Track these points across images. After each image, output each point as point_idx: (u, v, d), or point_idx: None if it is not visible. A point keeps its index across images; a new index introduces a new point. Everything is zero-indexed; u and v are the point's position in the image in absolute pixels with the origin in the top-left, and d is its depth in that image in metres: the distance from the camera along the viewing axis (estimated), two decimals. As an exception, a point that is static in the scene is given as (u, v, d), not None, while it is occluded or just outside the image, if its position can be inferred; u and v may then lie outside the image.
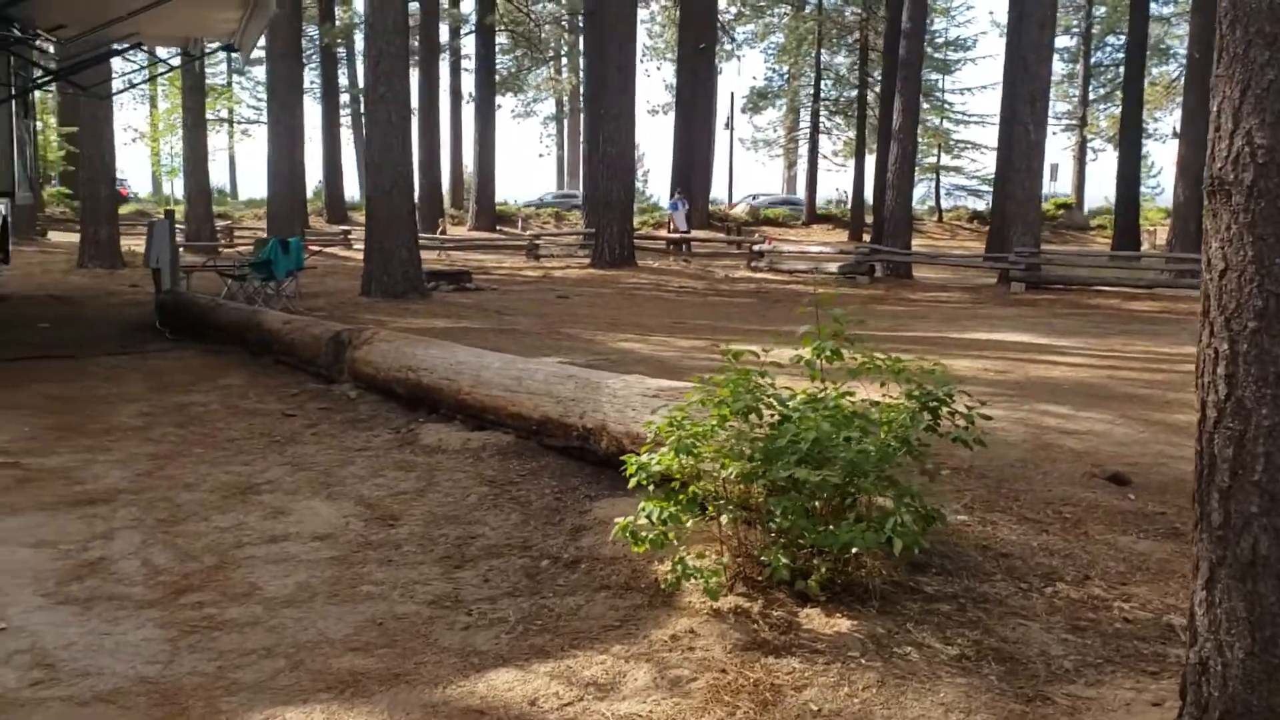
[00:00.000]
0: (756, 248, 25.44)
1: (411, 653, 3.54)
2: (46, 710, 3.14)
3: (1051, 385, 8.63)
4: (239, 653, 3.54)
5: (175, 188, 57.83)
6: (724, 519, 3.71)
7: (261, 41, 19.95)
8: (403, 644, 3.61)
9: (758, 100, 47.85)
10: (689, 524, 3.66)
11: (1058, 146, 64.47)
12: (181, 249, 20.88)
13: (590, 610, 3.83)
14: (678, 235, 28.72)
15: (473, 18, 42.07)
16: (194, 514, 5.01)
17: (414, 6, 39.10)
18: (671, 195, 31.55)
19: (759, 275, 23.41)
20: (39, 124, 44.30)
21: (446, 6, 44.10)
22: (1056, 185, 40.53)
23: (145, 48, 13.51)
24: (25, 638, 3.62)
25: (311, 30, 36.06)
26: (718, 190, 50.12)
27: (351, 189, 46.45)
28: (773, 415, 3.70)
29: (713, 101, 44.38)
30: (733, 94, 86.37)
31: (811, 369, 3.73)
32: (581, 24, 37.03)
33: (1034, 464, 5.60)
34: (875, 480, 3.49)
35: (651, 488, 3.74)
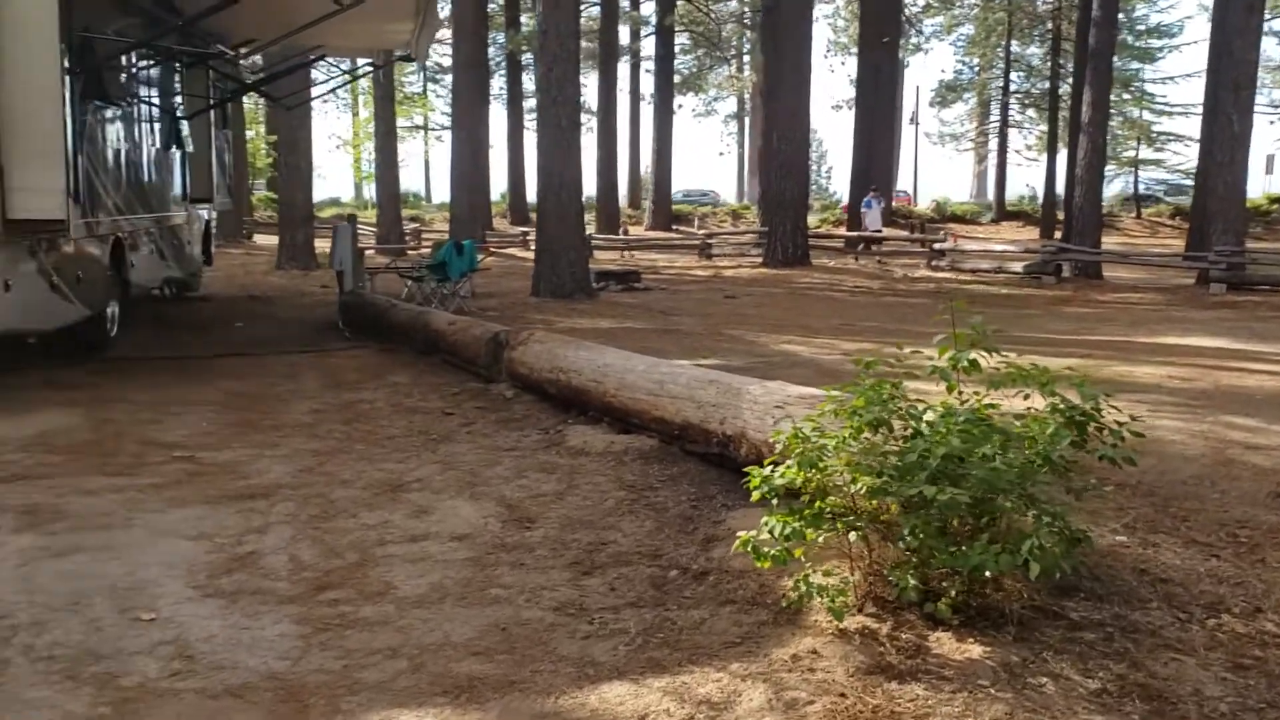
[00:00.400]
0: (937, 246, 24.67)
1: (529, 660, 3.53)
2: (179, 701, 3.27)
3: (1242, 395, 8.00)
4: (365, 652, 3.62)
5: (374, 192, 60.63)
6: (852, 536, 3.55)
7: (448, 52, 20.59)
8: (522, 650, 3.61)
9: (945, 94, 46.45)
10: (815, 540, 3.52)
11: (1271, 138, 60.17)
12: (371, 251, 21.86)
13: (713, 625, 3.74)
14: (869, 234, 28.11)
15: (652, 19, 42.47)
16: (344, 510, 5.17)
17: (594, 10, 39.77)
18: (864, 193, 30.94)
19: (939, 275, 22.69)
20: (250, 133, 47.21)
21: (627, 9, 44.67)
22: (1272, 179, 37.69)
23: (330, 60, 14.16)
24: (171, 629, 3.80)
25: (501, 38, 37.14)
26: (901, 186, 49.02)
27: (534, 192, 47.67)
28: (905, 428, 3.52)
29: (896, 96, 43.36)
30: (918, 88, 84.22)
31: (947, 379, 3.53)
32: (760, 21, 36.76)
33: (1210, 481, 5.18)
34: (1014, 499, 3.27)
35: (775, 501, 3.62)
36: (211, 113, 13.35)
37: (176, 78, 11.68)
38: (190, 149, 12.46)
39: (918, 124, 49.11)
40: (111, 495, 5.43)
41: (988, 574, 3.32)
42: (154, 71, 10.47)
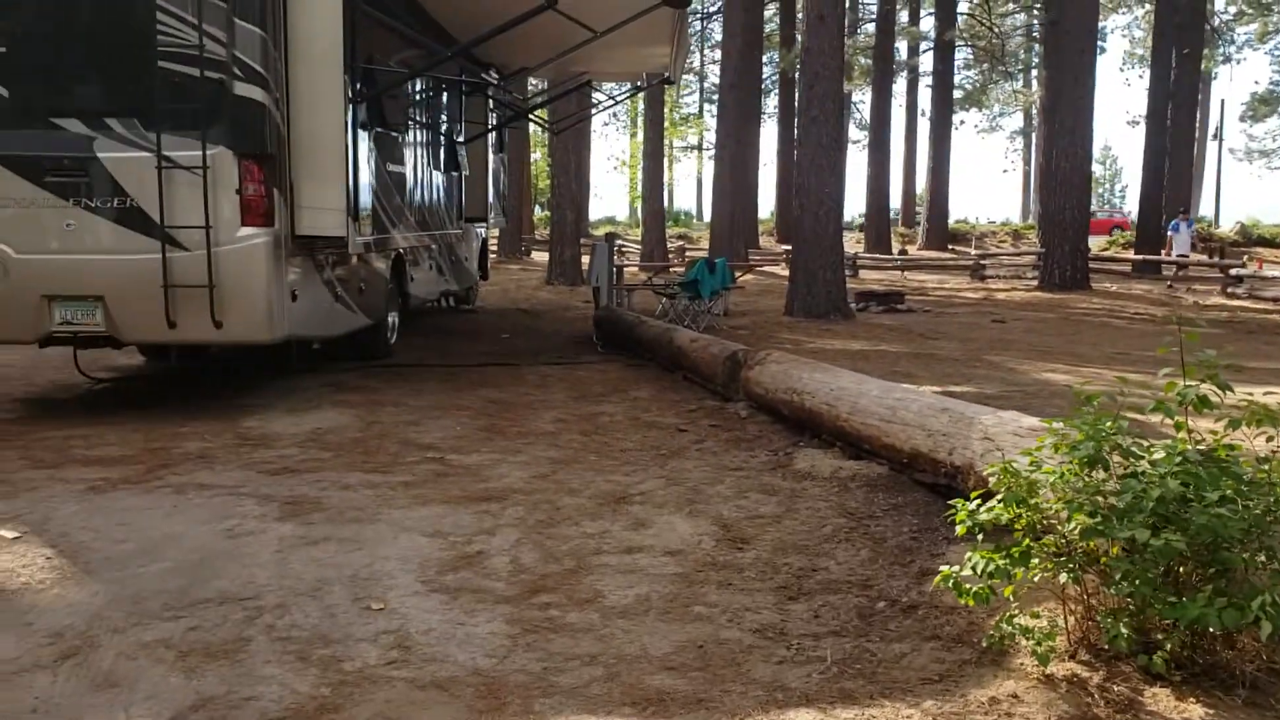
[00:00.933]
0: (1234, 272, 22.69)
1: (721, 680, 3.55)
2: (390, 688, 3.50)
3: None
4: (565, 656, 3.74)
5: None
6: (1063, 577, 3.35)
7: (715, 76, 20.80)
8: (715, 669, 3.63)
9: (1258, 106, 42.80)
10: (1023, 579, 3.35)
11: None
12: (634, 268, 22.50)
13: (913, 660, 3.63)
14: (1175, 259, 26.26)
15: (932, 34, 41.46)
16: (569, 518, 5.36)
17: (869, 27, 39.27)
18: (1155, 214, 28.89)
19: (1234, 303, 20.86)
20: (535, 155, 49.65)
21: (905, 24, 43.82)
22: None
23: (595, 85, 14.73)
24: (396, 620, 4.06)
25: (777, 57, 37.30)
26: (1204, 208, 45.45)
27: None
28: (1125, 466, 3.29)
29: (1198, 110, 40.27)
30: (1222, 101, 77.75)
31: (1169, 414, 3.27)
32: (1043, 34, 35.10)
33: None
34: (1241, 550, 2.99)
35: (981, 536, 3.46)
36: (489, 136, 14.18)
37: (453, 104, 12.50)
38: (466, 171, 13.30)
39: (1221, 140, 45.30)
40: (366, 490, 5.87)
41: (1211, 629, 3.04)
42: (430, 99, 11.25)
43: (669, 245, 28.84)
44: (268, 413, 8.03)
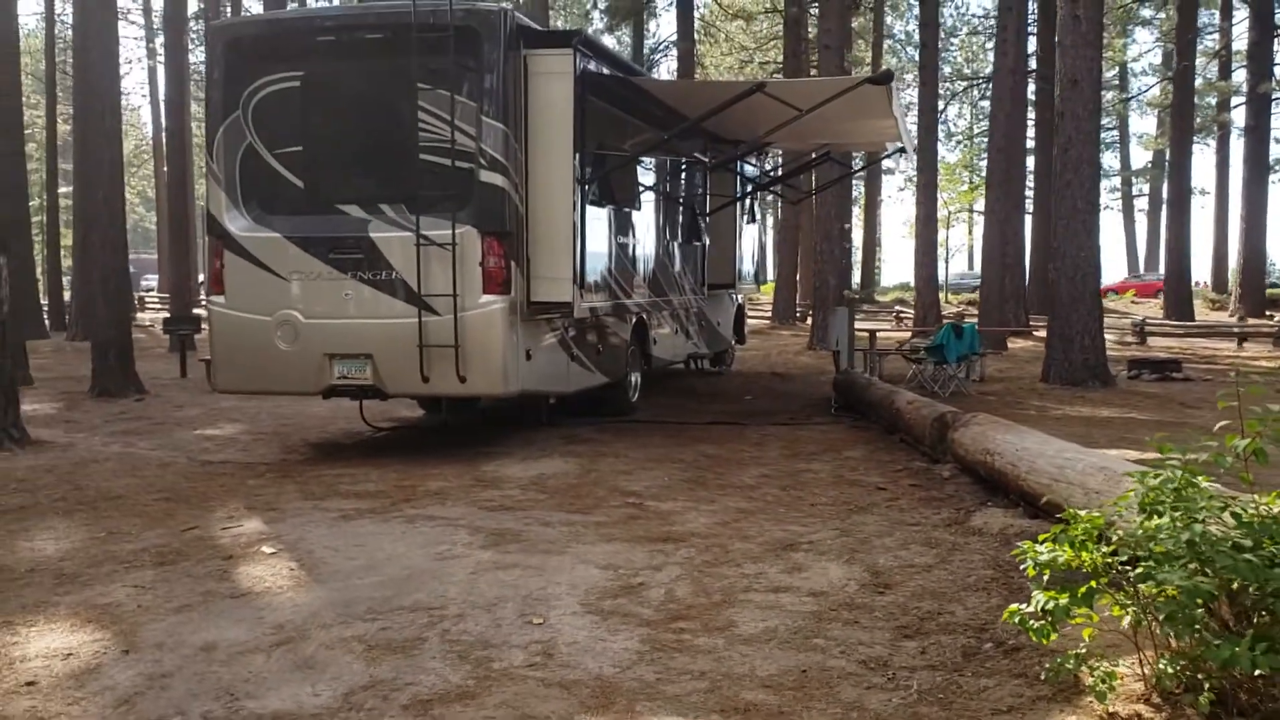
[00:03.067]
0: None
1: (808, 699, 3.92)
2: (522, 684, 4.11)
3: None
4: (679, 671, 4.22)
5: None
6: (1126, 620, 3.52)
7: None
8: (808, 690, 4.00)
9: None
10: (1080, 618, 3.55)
11: None
12: (905, 332, 22.44)
13: (993, 694, 3.86)
14: None
15: (1244, 88, 38.81)
16: (732, 560, 5.82)
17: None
18: None
19: None
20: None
21: (1214, 78, 41.25)
22: None
23: (834, 157, 15.18)
24: (549, 632, 4.69)
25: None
26: None
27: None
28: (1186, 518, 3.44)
29: None
30: None
31: (1222, 464, 3.40)
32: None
33: None
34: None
35: (1046, 576, 3.68)
36: (736, 207, 14.93)
37: (693, 178, 13.32)
38: (707, 240, 14.08)
39: None
40: (563, 527, 6.59)
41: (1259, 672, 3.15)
42: (666, 174, 12.10)
43: (951, 309, 28.44)
44: (505, 459, 8.97)
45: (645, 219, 11.52)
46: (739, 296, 17.50)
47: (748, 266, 16.24)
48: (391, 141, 8.77)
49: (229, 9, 37.00)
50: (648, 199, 11.60)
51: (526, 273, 8.80)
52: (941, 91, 35.57)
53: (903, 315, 32.01)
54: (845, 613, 4.91)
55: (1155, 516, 3.47)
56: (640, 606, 5.05)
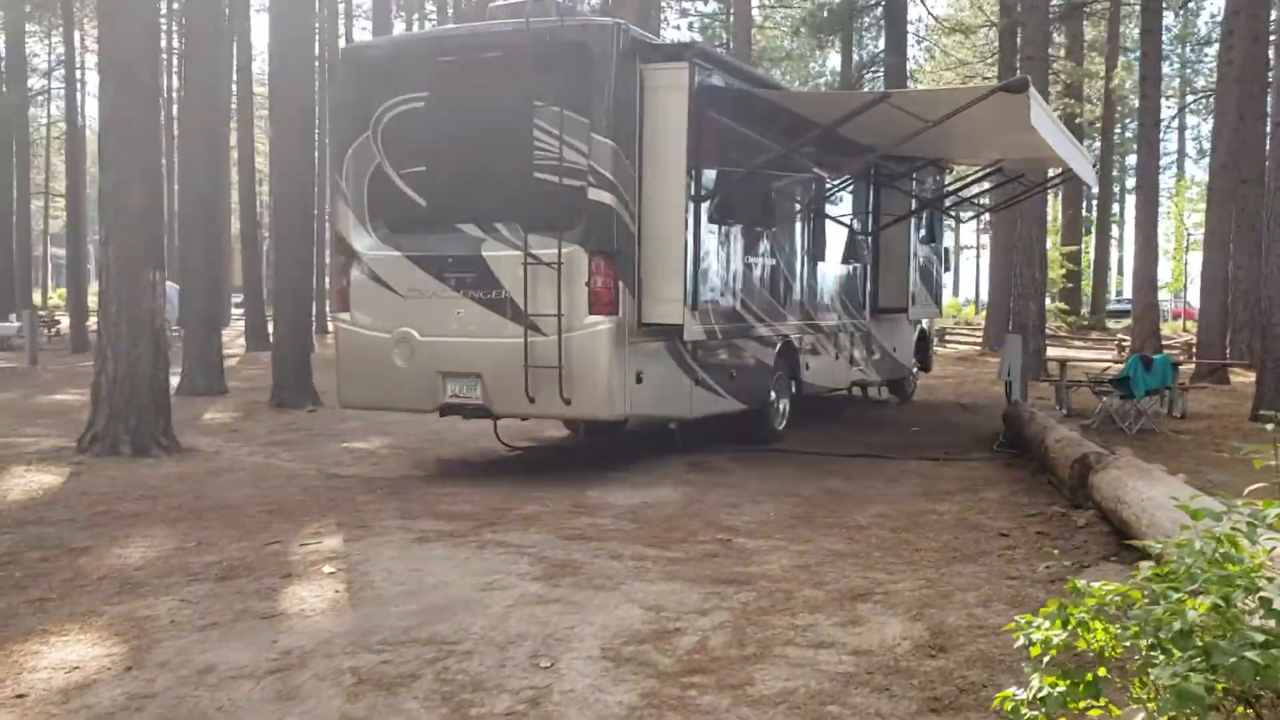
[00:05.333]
0: None
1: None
2: (484, 733, 3.83)
3: None
4: (662, 733, 3.83)
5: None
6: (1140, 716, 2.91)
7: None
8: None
9: None
10: (1078, 710, 2.96)
11: None
12: (1102, 362, 20.82)
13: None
14: None
15: None
16: (789, 609, 5.34)
17: None
18: None
19: None
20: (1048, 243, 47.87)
21: None
22: None
23: (1008, 174, 14.14)
24: (550, 678, 4.38)
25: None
26: None
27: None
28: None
29: None
30: None
31: (1255, 539, 2.75)
32: None
33: None
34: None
35: (1045, 658, 3.09)
36: (910, 227, 14.13)
37: (849, 195, 12.66)
38: (871, 262, 13.36)
39: None
40: (631, 562, 6.26)
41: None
42: (813, 192, 11.50)
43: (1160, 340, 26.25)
44: (615, 485, 8.71)
45: (785, 238, 11.02)
46: (925, 321, 16.62)
47: (924, 289, 15.35)
48: (508, 160, 8.70)
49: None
50: (787, 218, 11.10)
51: (638, 293, 8.53)
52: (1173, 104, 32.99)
53: (1123, 344, 29.86)
54: (880, 677, 4.37)
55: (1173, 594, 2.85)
56: (662, 655, 4.66)
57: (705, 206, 8.99)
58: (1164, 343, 26.71)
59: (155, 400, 9.94)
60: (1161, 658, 2.78)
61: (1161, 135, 31.41)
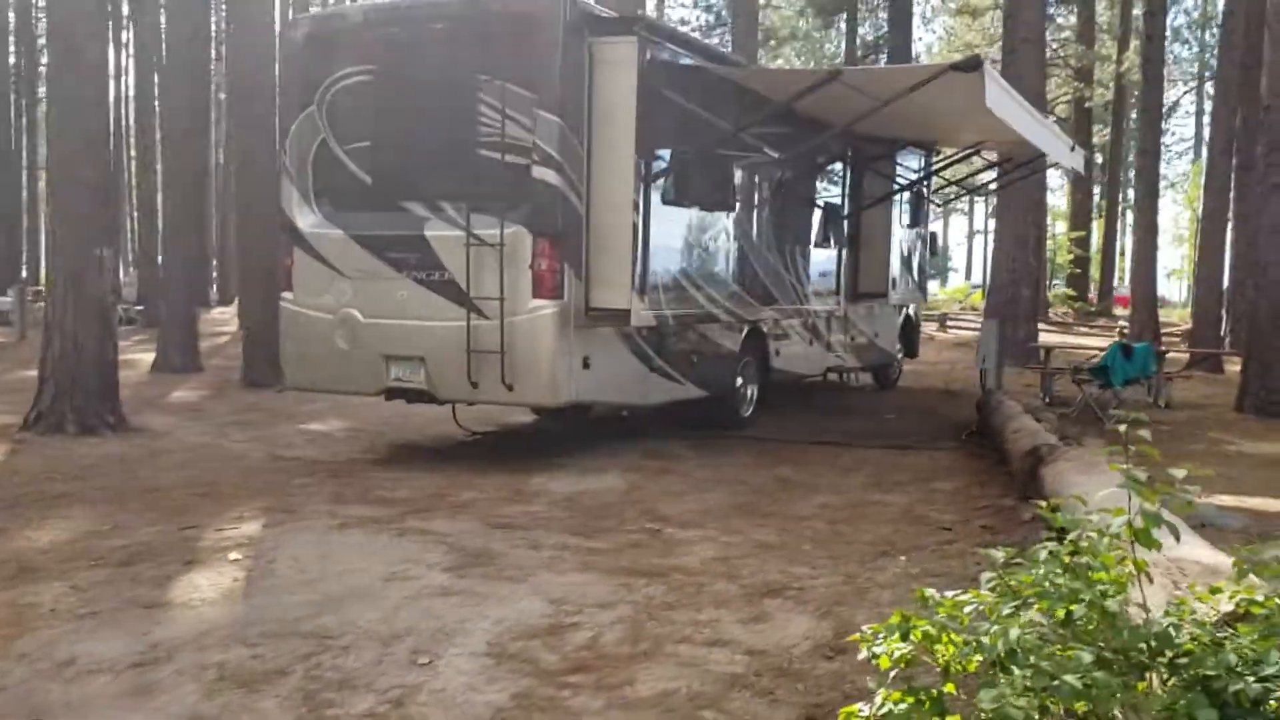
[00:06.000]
0: None
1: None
2: (330, 736, 3.63)
3: None
4: (519, 738, 3.64)
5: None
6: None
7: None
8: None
9: None
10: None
11: None
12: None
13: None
14: None
15: None
16: (696, 604, 5.13)
17: None
18: None
19: None
20: (1059, 228, 47.30)
21: None
22: None
23: (985, 157, 13.83)
24: (423, 676, 4.18)
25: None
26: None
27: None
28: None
29: None
30: None
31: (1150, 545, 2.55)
32: None
33: None
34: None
35: (894, 672, 2.88)
36: (891, 209, 13.81)
37: (826, 181, 12.37)
38: (849, 246, 13.04)
39: None
40: (549, 552, 6.06)
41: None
42: (778, 175, 11.17)
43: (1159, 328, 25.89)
44: (561, 472, 8.49)
45: (750, 222, 10.73)
46: (912, 307, 16.30)
47: (907, 274, 15.03)
48: (453, 137, 8.46)
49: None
50: (751, 200, 10.81)
51: (585, 276, 8.30)
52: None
53: (1125, 332, 29.46)
54: (768, 680, 4.17)
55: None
56: (548, 652, 4.46)
57: (658, 187, 8.73)
58: (1164, 331, 26.39)
59: (102, 378, 9.78)
60: (1003, 676, 2.57)
61: (1176, 120, 30.94)
